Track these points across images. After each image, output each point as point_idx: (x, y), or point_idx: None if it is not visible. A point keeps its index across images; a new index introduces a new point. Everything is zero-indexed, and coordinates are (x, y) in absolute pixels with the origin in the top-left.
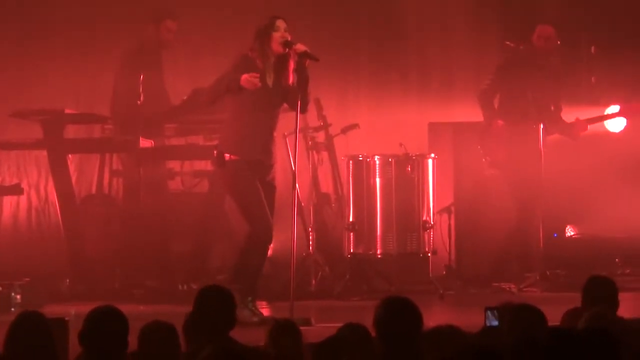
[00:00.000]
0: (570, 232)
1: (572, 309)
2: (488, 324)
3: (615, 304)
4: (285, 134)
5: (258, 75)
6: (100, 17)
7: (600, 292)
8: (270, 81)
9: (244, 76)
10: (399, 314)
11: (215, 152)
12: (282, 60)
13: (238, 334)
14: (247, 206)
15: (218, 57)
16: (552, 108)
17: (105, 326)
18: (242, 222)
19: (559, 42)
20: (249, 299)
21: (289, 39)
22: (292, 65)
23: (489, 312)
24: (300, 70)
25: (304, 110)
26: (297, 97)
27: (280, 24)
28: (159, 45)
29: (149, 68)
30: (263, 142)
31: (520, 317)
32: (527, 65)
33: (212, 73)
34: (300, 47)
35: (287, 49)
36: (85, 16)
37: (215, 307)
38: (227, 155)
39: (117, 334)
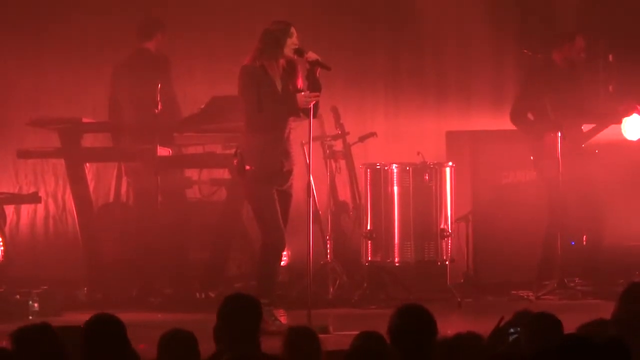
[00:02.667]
0: (585, 240)
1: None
2: (510, 339)
3: None
4: (303, 142)
5: (311, 94)
6: (116, 26)
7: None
8: (279, 87)
9: (301, 98)
10: (412, 321)
11: (235, 161)
12: (290, 66)
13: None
14: (263, 216)
15: (235, 65)
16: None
17: (100, 335)
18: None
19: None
20: (267, 308)
21: (297, 45)
22: (300, 71)
23: (511, 329)
24: (312, 78)
25: (314, 115)
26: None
27: (294, 31)
28: (162, 52)
29: (157, 77)
30: (282, 149)
31: (537, 325)
32: (550, 74)
33: (230, 81)
34: (312, 55)
35: (298, 57)
36: (101, 26)
37: (241, 315)
38: (247, 166)
39: (118, 340)
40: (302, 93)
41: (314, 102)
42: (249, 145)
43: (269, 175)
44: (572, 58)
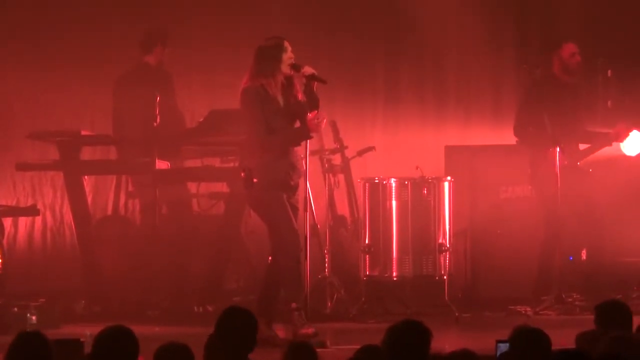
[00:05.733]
0: (585, 255)
1: (585, 331)
2: (499, 354)
3: (629, 328)
4: (301, 156)
5: (318, 116)
6: (115, 39)
7: (614, 315)
8: (282, 103)
9: (311, 124)
10: (405, 336)
11: (242, 173)
12: (287, 81)
13: (255, 355)
14: (276, 221)
15: (234, 78)
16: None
17: (115, 347)
18: (259, 243)
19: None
20: (298, 312)
21: (293, 59)
22: (297, 84)
23: (500, 345)
24: (309, 92)
25: None
26: (307, 114)
27: (287, 45)
28: (164, 66)
29: (156, 90)
30: (289, 162)
31: (527, 341)
32: (551, 88)
33: (229, 94)
34: (308, 69)
35: (295, 72)
36: (101, 39)
37: (238, 328)
38: (255, 179)
39: (128, 354)
40: (309, 116)
41: (325, 120)
42: (256, 159)
43: (278, 186)
44: (567, 64)
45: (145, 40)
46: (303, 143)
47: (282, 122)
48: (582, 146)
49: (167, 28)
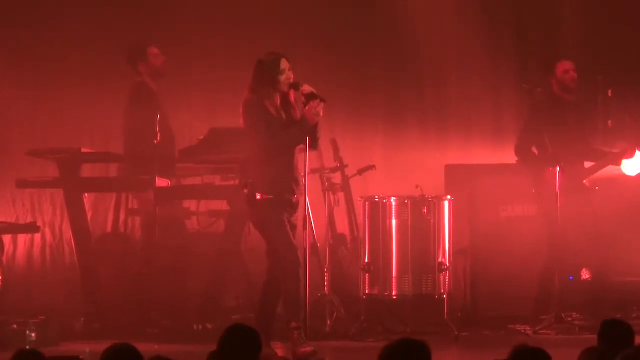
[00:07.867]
0: (586, 275)
1: (589, 348)
2: None
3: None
4: (302, 174)
5: (316, 105)
6: (115, 56)
7: (617, 335)
8: (283, 115)
9: (308, 114)
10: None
11: (245, 190)
12: (285, 97)
13: None
14: (277, 240)
15: (234, 96)
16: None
17: None
18: (259, 261)
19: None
20: (298, 332)
21: (292, 78)
22: (295, 102)
23: None
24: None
25: (315, 146)
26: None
27: (284, 64)
28: (154, 77)
29: (154, 108)
30: (292, 178)
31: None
32: (552, 108)
33: (229, 112)
34: (307, 88)
35: (294, 91)
36: (100, 55)
37: (242, 346)
38: (258, 195)
39: None
40: (306, 108)
41: (322, 108)
42: (260, 174)
43: (281, 203)
44: (562, 81)
45: (128, 63)
46: (302, 160)
47: (286, 128)
48: (587, 164)
49: (167, 46)
